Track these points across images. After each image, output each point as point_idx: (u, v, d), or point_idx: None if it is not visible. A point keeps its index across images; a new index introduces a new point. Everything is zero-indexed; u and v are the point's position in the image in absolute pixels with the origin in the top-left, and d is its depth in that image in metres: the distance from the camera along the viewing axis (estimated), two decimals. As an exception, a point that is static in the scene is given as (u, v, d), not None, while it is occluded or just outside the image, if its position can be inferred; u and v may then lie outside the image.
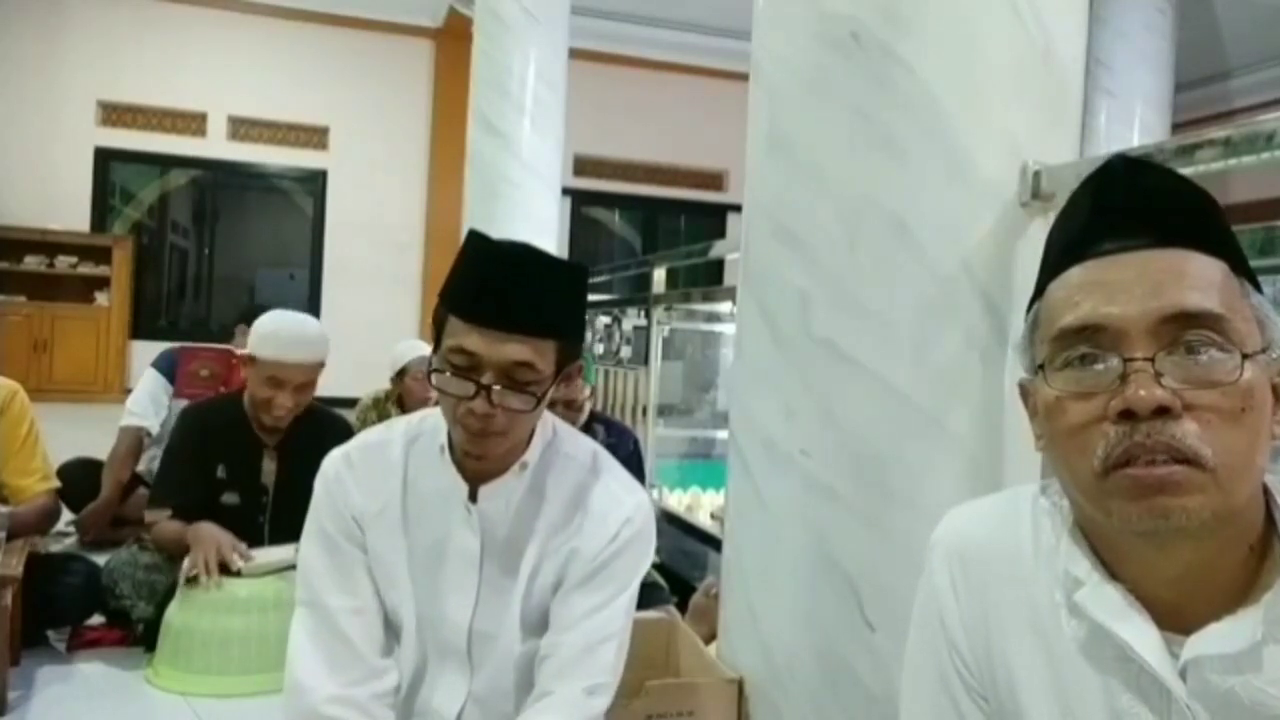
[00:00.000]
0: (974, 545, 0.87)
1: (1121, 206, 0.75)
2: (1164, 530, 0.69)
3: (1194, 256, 0.72)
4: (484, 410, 1.22)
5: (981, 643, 0.84)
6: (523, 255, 1.26)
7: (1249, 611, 0.71)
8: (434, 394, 1.30)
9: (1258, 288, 0.75)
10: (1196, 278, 0.71)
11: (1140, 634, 0.73)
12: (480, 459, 1.30)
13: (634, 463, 3.07)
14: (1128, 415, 0.69)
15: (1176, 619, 0.74)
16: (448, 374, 1.23)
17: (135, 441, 3.60)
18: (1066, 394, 0.73)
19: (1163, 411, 0.68)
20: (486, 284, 1.23)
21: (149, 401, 3.63)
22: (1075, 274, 0.76)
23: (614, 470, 1.42)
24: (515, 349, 1.22)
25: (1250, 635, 0.70)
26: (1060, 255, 0.78)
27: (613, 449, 1.50)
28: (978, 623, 0.85)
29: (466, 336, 1.22)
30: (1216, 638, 0.71)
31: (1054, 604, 0.80)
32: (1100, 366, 0.72)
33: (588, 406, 3.06)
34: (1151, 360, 0.70)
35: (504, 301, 1.22)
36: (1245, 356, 0.70)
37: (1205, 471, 0.68)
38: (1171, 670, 0.73)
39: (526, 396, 1.24)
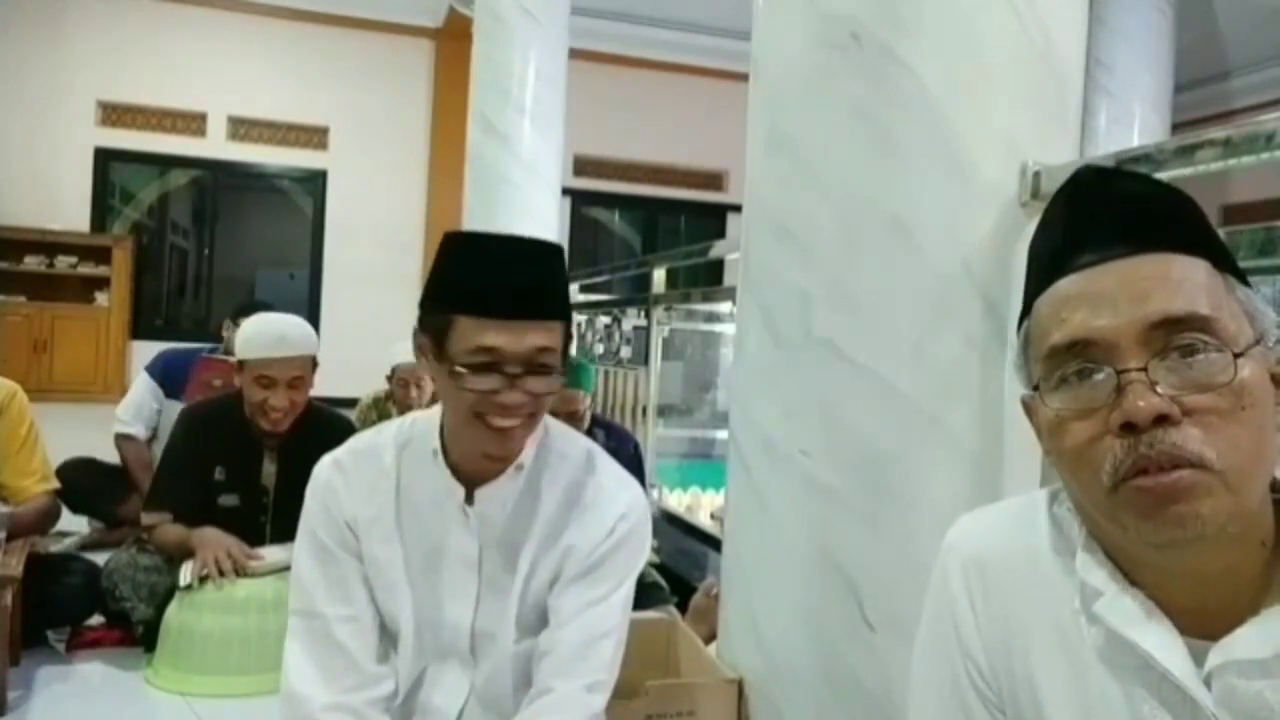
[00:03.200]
0: (991, 552, 0.85)
1: (1095, 217, 0.75)
2: (1182, 540, 0.68)
3: (1174, 259, 0.72)
4: (516, 401, 1.24)
5: (1000, 651, 0.83)
6: (520, 245, 1.29)
7: (1273, 613, 0.70)
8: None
9: (1243, 280, 0.74)
10: (1180, 281, 0.71)
11: (1162, 643, 0.72)
12: (503, 459, 1.31)
13: (634, 466, 3.08)
14: (1129, 428, 0.69)
15: (1198, 624, 0.72)
16: (468, 374, 1.23)
17: (140, 450, 3.61)
18: (1066, 412, 0.73)
19: (1162, 419, 0.68)
20: (496, 278, 1.24)
21: (135, 407, 3.64)
22: (1059, 289, 0.75)
23: (609, 467, 1.42)
24: (536, 336, 1.24)
25: (1278, 639, 0.69)
26: (1042, 271, 0.78)
27: (613, 453, 1.50)
28: (996, 631, 0.83)
29: (485, 334, 1.22)
30: (1243, 643, 0.70)
31: (1074, 611, 0.78)
32: (1096, 378, 0.71)
33: (588, 415, 3.07)
34: (1145, 369, 0.69)
35: (518, 292, 1.23)
36: (1237, 355, 0.69)
37: (1213, 474, 0.67)
38: (1196, 678, 0.71)
39: (550, 379, 1.27)
